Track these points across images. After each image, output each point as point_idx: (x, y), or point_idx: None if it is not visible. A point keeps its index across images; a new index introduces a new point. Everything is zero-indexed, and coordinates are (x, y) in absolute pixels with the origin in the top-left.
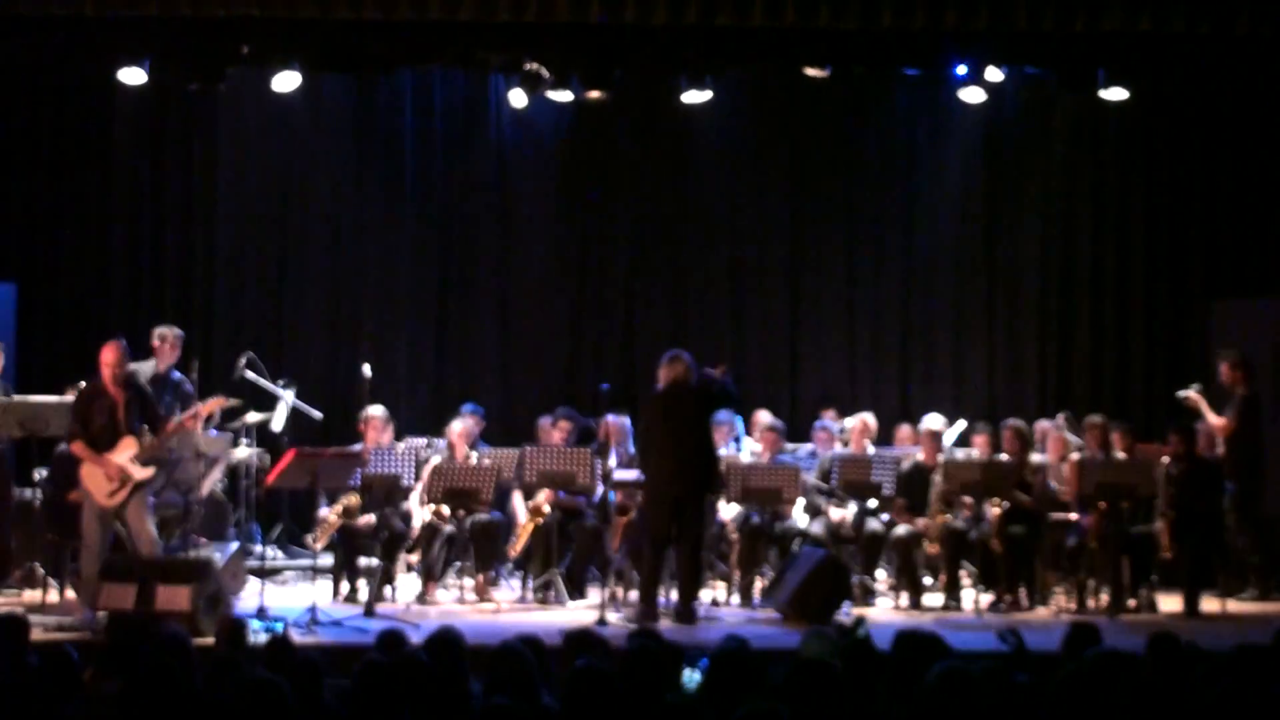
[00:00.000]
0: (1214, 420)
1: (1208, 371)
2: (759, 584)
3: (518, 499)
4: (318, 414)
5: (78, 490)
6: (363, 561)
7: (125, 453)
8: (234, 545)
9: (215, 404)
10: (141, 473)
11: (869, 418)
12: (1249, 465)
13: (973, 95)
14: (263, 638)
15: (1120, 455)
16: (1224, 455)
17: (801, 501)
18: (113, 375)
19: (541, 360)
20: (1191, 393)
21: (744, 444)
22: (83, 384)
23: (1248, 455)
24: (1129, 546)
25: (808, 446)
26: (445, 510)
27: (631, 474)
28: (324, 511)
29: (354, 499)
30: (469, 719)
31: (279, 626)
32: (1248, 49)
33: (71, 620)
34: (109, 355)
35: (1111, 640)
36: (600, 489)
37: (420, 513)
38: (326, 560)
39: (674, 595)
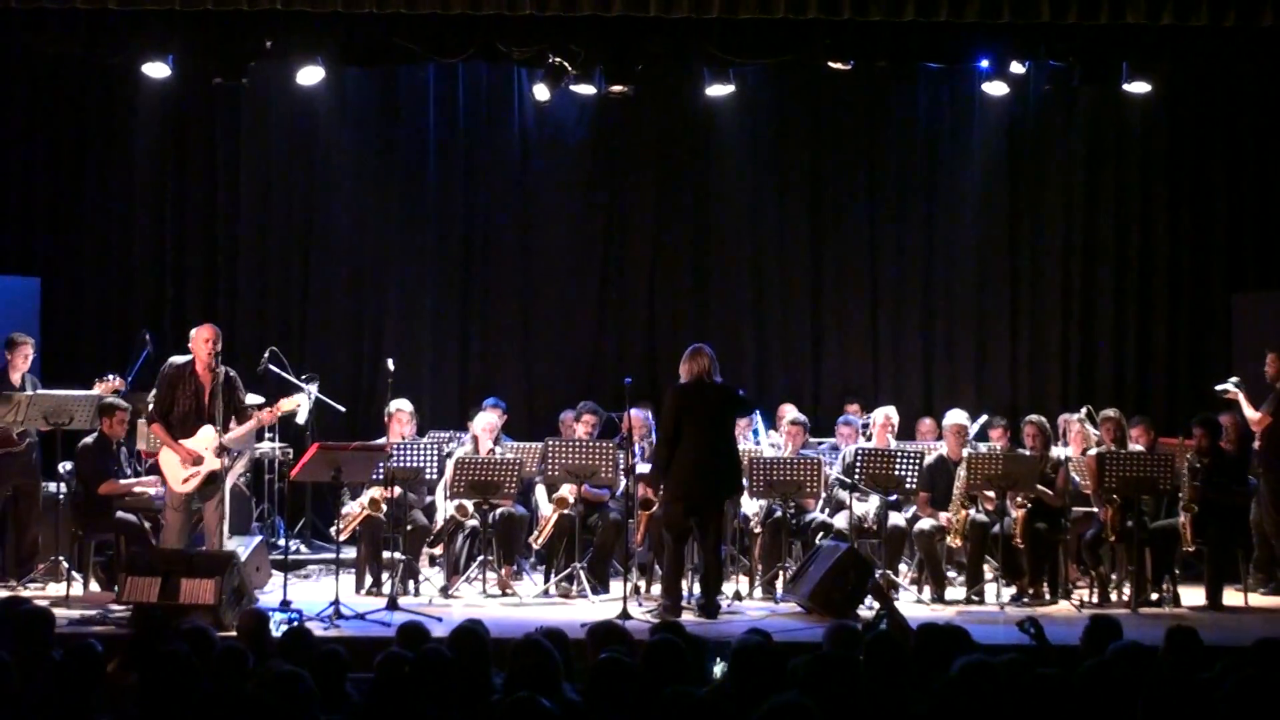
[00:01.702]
0: (1251, 414)
1: (1229, 364)
2: (782, 578)
3: (540, 492)
4: (341, 408)
5: (108, 482)
6: (386, 555)
7: (204, 440)
8: (258, 539)
9: (293, 404)
10: (216, 462)
11: (892, 411)
12: None
13: (996, 88)
14: (283, 629)
15: (1137, 448)
16: (1259, 447)
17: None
18: (210, 355)
19: (564, 354)
20: (1230, 386)
21: (763, 437)
22: (173, 360)
23: None
24: (1151, 540)
25: (830, 440)
26: (469, 505)
27: None
28: (348, 505)
29: (379, 492)
30: (491, 712)
31: (296, 618)
32: (1271, 42)
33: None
34: (206, 334)
35: (1134, 634)
36: (623, 483)
37: (444, 506)
38: (350, 553)
39: (697, 589)
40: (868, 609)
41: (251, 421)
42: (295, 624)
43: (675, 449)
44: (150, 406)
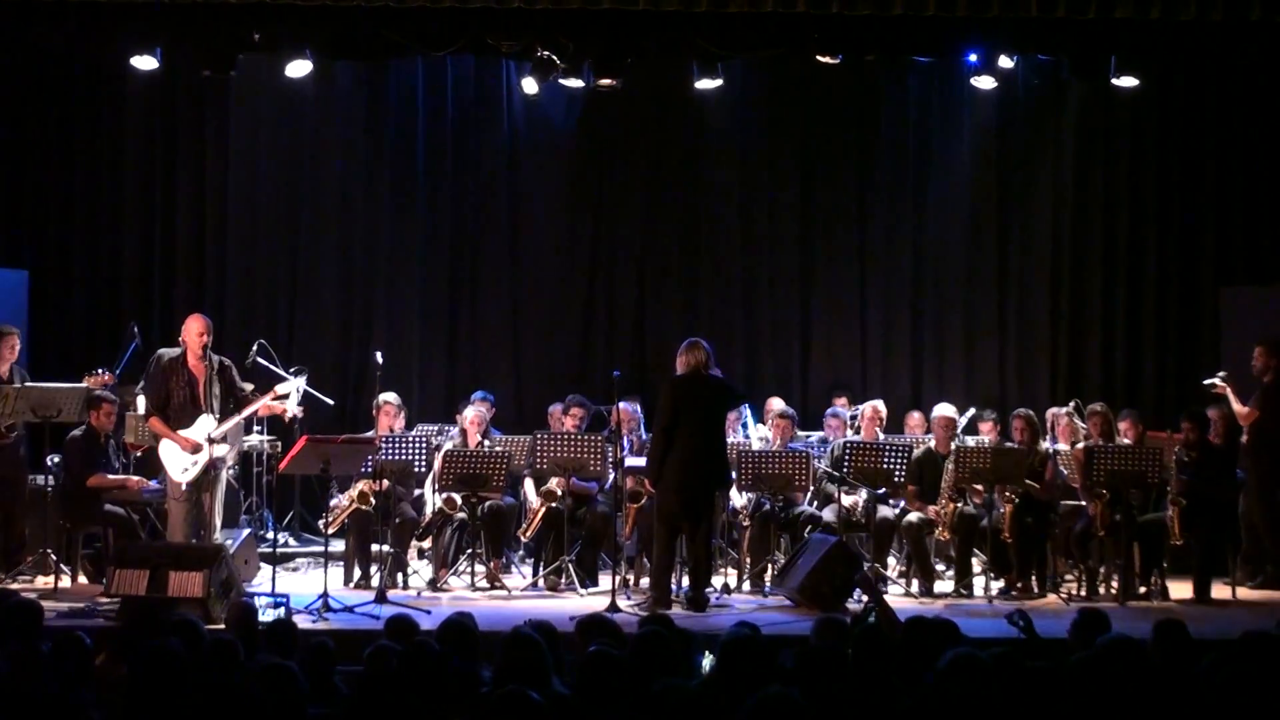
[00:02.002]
0: (1239, 408)
1: (1218, 359)
2: (770, 571)
3: (529, 485)
4: (330, 400)
5: (95, 475)
6: (375, 548)
7: (202, 429)
8: (246, 531)
9: (288, 389)
10: (216, 450)
11: (880, 405)
12: (1271, 452)
13: (984, 82)
14: (269, 615)
15: (1125, 442)
16: (1245, 442)
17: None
18: (201, 347)
19: (553, 347)
20: (1218, 380)
21: (752, 431)
22: (161, 353)
23: (1270, 442)
24: (1140, 533)
25: (819, 434)
26: (457, 498)
27: (643, 461)
28: (336, 498)
29: (367, 485)
30: (479, 705)
31: (283, 603)
32: (1259, 37)
33: None
34: (197, 325)
35: (1122, 627)
36: (612, 475)
37: (432, 499)
38: (338, 546)
39: (685, 582)
40: (856, 602)
41: (251, 407)
42: (281, 606)
43: (671, 441)
44: (138, 399)
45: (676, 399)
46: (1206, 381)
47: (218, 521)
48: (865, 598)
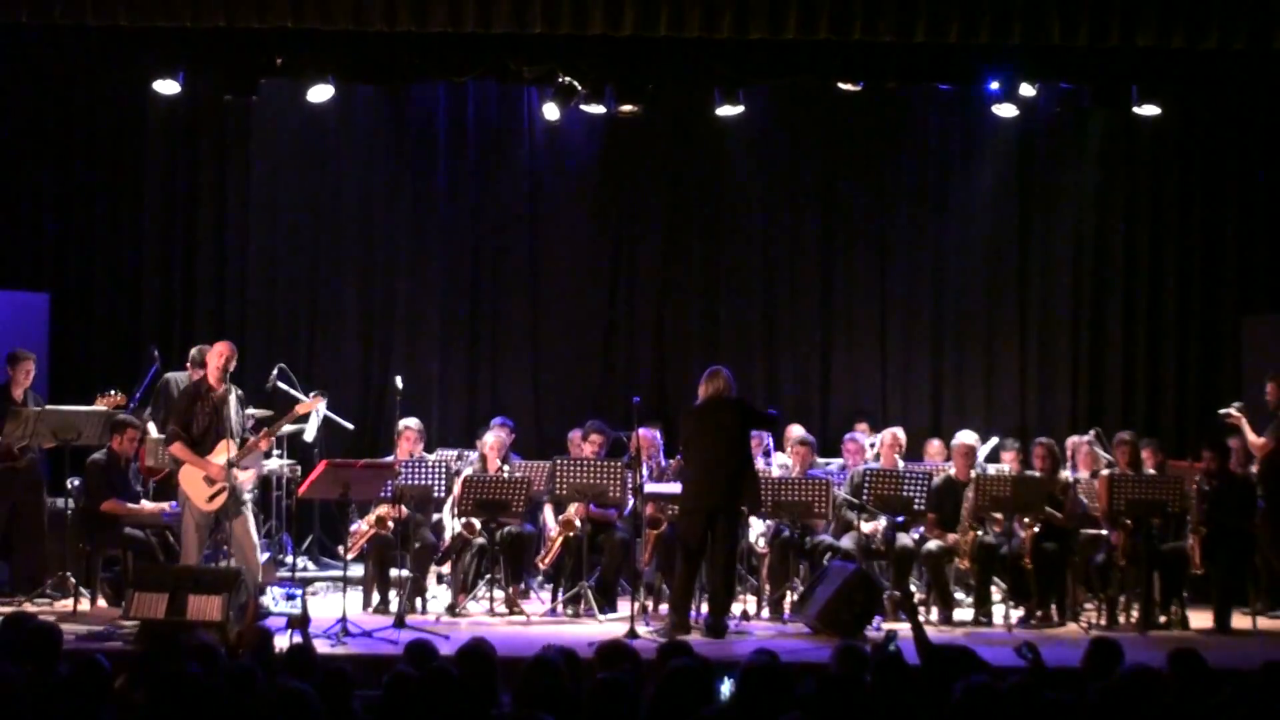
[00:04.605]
0: (1254, 439)
1: (1240, 387)
2: (789, 598)
3: (548, 511)
4: (350, 425)
5: (111, 501)
6: (394, 573)
7: (223, 455)
8: (265, 556)
9: (308, 406)
10: (241, 476)
11: (899, 432)
12: None
13: (1006, 110)
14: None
15: (1150, 471)
16: (1259, 472)
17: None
18: (221, 374)
19: (573, 373)
20: (1233, 410)
21: (774, 458)
22: (170, 377)
23: None
24: (1160, 562)
25: (838, 460)
26: (476, 524)
27: (663, 487)
28: (356, 523)
29: (387, 510)
30: None
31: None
32: None
33: None
34: (222, 351)
35: (1142, 657)
36: (631, 502)
37: (452, 524)
38: (357, 571)
39: (704, 608)
40: (875, 630)
41: (267, 434)
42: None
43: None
44: (149, 424)
45: (688, 427)
46: (1221, 411)
47: (257, 541)
48: (884, 626)
